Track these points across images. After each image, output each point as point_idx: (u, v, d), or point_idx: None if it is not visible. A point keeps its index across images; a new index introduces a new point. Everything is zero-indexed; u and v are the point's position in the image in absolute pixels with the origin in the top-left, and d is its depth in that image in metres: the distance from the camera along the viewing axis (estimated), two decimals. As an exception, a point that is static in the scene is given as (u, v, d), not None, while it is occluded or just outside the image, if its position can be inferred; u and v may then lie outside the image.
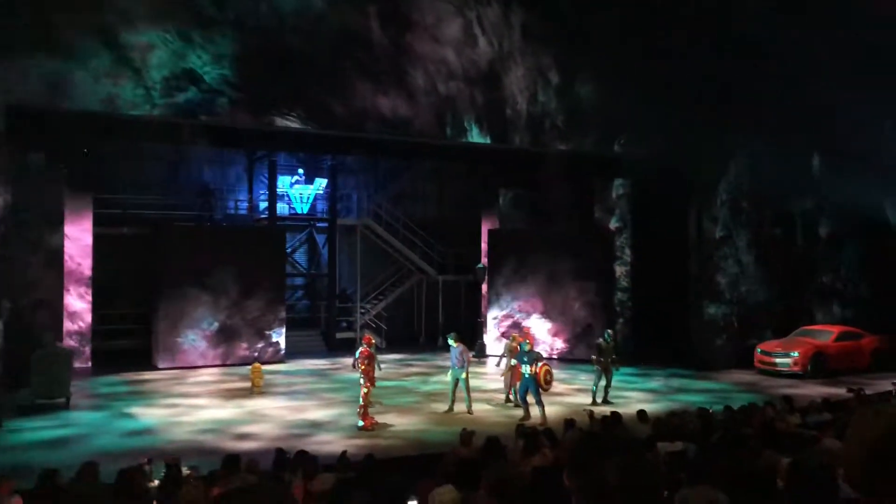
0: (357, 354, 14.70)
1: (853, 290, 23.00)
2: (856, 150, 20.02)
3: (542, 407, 14.56)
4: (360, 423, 13.92)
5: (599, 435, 8.90)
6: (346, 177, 30.30)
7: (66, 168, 20.44)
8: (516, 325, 24.17)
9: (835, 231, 23.04)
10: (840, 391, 15.08)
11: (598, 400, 16.32)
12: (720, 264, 22.49)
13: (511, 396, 16.31)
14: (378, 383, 15.16)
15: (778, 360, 20.56)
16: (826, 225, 23.05)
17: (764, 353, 20.98)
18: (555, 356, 22.93)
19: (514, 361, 15.89)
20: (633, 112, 22.02)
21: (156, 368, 21.59)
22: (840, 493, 3.57)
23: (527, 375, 14.82)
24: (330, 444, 12.48)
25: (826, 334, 21.08)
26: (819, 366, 20.23)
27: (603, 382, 16.64)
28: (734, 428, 9.34)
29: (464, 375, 15.50)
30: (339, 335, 26.55)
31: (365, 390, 13.97)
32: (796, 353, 20.38)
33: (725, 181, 22.45)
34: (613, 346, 17.01)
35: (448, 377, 15.89)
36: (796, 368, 20.19)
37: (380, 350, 24.31)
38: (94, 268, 22.04)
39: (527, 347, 15.39)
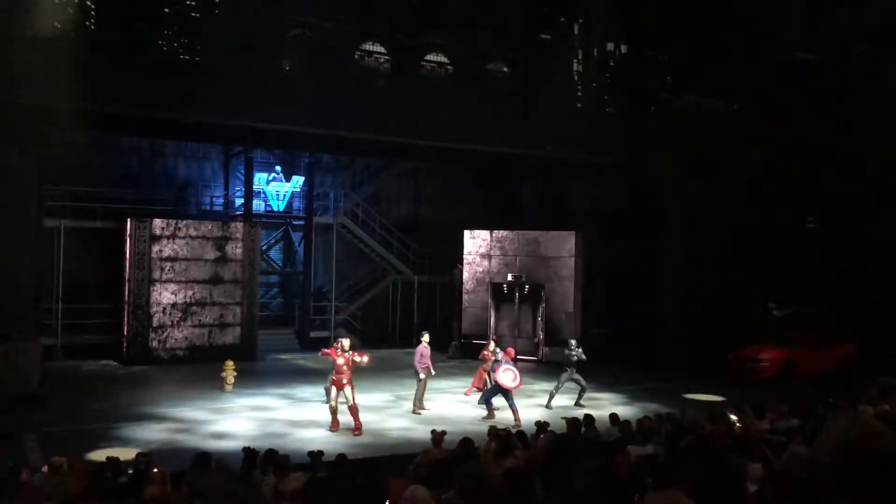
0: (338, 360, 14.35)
1: (824, 296, 23.32)
2: None
3: (516, 410, 14.62)
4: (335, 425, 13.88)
5: (571, 438, 8.95)
6: (324, 175, 30.17)
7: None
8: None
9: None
10: (809, 397, 15.27)
11: (572, 403, 16.42)
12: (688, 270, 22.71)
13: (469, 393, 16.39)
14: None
15: (749, 366, 20.76)
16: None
17: (736, 357, 21.17)
18: (529, 358, 22.99)
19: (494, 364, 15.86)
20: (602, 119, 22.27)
21: (126, 364, 21.37)
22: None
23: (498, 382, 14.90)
24: (307, 443, 12.44)
25: (798, 339, 21.34)
26: (789, 371, 20.48)
27: (572, 386, 16.70)
28: (703, 433, 9.42)
29: (421, 376, 15.59)
30: (313, 334, 26.42)
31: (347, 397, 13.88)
32: (767, 359, 20.62)
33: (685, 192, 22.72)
34: (579, 353, 16.99)
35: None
36: (768, 374, 20.40)
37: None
38: (65, 261, 21.76)
39: (500, 355, 15.44)
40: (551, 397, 16.54)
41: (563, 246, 24.13)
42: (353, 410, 13.80)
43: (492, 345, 17.15)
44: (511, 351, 16.98)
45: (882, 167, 20.95)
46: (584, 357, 16.94)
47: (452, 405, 16.71)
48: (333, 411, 13.99)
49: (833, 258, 23.05)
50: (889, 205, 22.00)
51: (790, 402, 12.69)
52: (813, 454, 2.09)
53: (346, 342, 14.49)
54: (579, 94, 23.68)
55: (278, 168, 27.57)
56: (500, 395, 14.99)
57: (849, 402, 11.66)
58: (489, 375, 16.30)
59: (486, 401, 15.13)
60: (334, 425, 13.94)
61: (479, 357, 16.80)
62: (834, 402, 11.92)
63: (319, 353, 14.69)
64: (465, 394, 17.35)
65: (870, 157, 21.06)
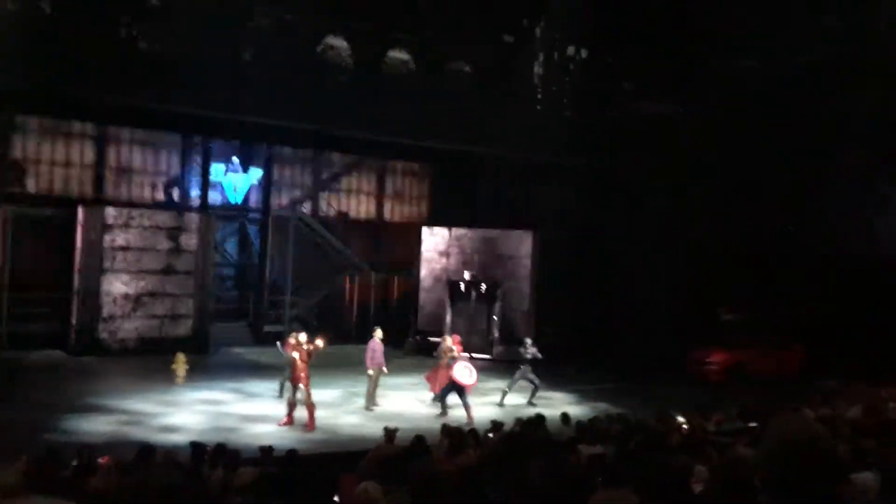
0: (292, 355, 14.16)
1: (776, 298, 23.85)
2: None
3: (469, 408, 14.68)
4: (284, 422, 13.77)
5: (522, 436, 9.02)
6: (283, 167, 29.88)
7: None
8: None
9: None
10: (755, 399, 15.62)
11: (524, 401, 16.53)
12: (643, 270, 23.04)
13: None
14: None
15: (700, 367, 21.14)
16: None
17: (687, 359, 21.52)
18: (483, 356, 23.08)
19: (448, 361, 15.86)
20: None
21: (74, 355, 20.89)
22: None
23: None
24: (258, 438, 12.31)
25: (745, 343, 21.76)
26: (738, 373, 20.87)
27: (524, 384, 16.83)
28: (652, 433, 9.58)
29: (370, 372, 15.57)
30: (267, 328, 26.12)
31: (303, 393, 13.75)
32: (716, 361, 21.00)
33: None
34: (533, 352, 17.15)
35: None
36: (716, 376, 20.77)
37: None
38: (13, 249, 21.17)
39: (455, 352, 15.49)
40: (504, 395, 16.64)
41: (521, 245, 24.27)
42: (309, 408, 13.71)
43: (447, 340, 17.18)
44: (457, 338, 17.21)
45: (831, 170, 21.53)
46: (538, 355, 17.09)
47: (406, 402, 16.70)
48: (291, 405, 13.86)
49: (786, 262, 23.59)
50: (836, 209, 22.63)
51: (741, 404, 12.98)
52: (755, 455, 2.15)
53: (301, 336, 14.40)
54: (539, 96, 23.84)
55: (235, 159, 27.21)
56: (454, 392, 15.02)
57: (791, 406, 11.97)
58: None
59: (441, 399, 15.16)
60: (288, 420, 13.82)
61: (434, 354, 16.73)
62: (780, 405, 12.21)
63: (280, 347, 14.52)
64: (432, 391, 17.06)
65: (818, 160, 21.65)
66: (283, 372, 14.71)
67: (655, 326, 22.44)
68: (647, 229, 22.95)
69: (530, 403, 16.49)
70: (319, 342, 14.23)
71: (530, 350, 17.05)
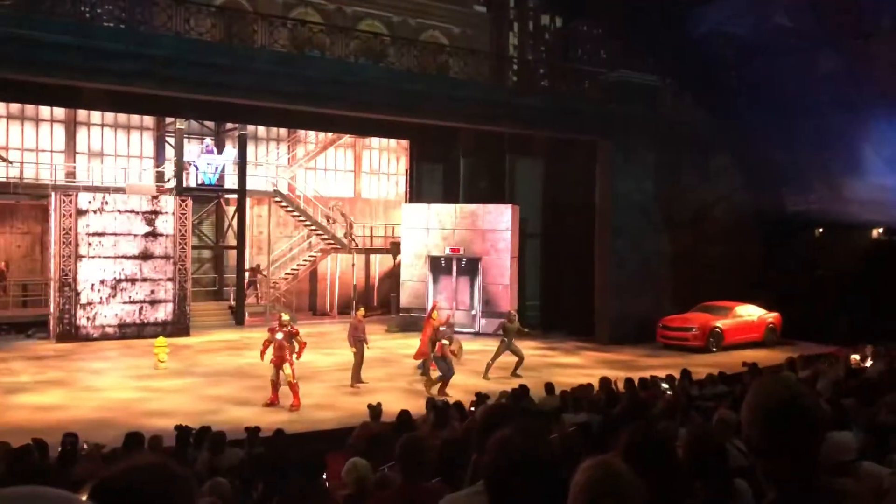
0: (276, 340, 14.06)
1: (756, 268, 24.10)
2: None
3: (445, 382, 14.75)
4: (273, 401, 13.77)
5: (506, 407, 9.07)
6: (259, 146, 29.65)
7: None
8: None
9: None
10: (736, 364, 15.86)
11: (510, 375, 16.64)
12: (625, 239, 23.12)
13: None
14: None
15: (678, 334, 21.40)
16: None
17: (665, 327, 21.79)
18: (467, 330, 23.18)
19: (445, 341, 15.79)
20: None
21: (53, 341, 20.73)
22: (731, 462, 3.77)
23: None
24: (243, 419, 12.30)
25: (724, 310, 22.05)
26: (716, 339, 21.21)
27: (508, 359, 16.95)
28: (635, 400, 9.68)
29: (353, 350, 15.61)
30: (247, 309, 26.06)
31: (289, 371, 13.73)
32: (695, 328, 21.26)
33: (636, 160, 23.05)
34: (517, 325, 17.34)
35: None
36: (695, 342, 21.07)
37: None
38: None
39: (443, 316, 15.54)
40: (488, 368, 16.75)
41: (501, 219, 24.30)
42: (293, 387, 13.70)
43: (436, 312, 17.28)
44: (435, 304, 17.32)
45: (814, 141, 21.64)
46: (524, 329, 17.26)
47: (389, 378, 16.75)
48: (274, 385, 13.86)
49: (765, 229, 23.81)
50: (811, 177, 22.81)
51: (718, 369, 13.14)
52: (741, 416, 2.16)
53: (284, 316, 14.36)
54: (515, 66, 23.71)
55: (208, 140, 26.91)
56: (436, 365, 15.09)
57: (770, 369, 12.14)
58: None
59: (428, 370, 15.23)
60: (272, 399, 13.83)
61: (435, 326, 16.47)
62: (759, 369, 12.37)
63: (267, 331, 14.45)
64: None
65: (799, 133, 21.76)
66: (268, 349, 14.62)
67: (633, 297, 22.59)
68: (628, 200, 22.97)
69: (514, 374, 16.61)
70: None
71: (514, 322, 17.17)
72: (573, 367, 18.65)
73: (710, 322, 21.46)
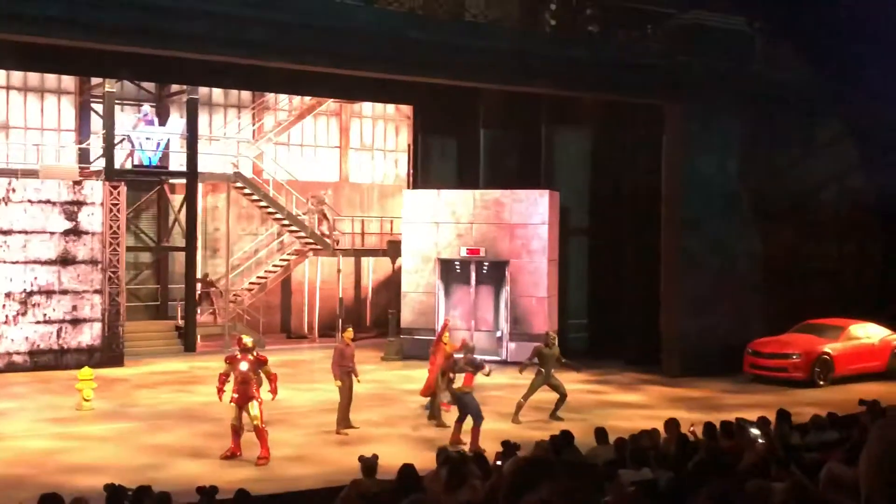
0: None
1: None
2: None
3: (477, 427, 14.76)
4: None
5: (543, 462, 9.05)
6: (214, 114, 29.80)
7: None
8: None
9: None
10: (851, 402, 15.76)
11: (547, 417, 16.63)
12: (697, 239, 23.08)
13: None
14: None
15: (773, 363, 21.30)
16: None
17: (756, 353, 21.68)
18: (490, 358, 23.19)
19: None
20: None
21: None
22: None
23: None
24: (194, 476, 12.36)
25: (834, 330, 21.94)
26: (824, 370, 21.11)
27: (546, 396, 16.94)
28: (716, 451, 9.62)
29: (339, 383, 15.66)
30: (200, 331, 26.17)
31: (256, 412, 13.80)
32: (796, 355, 21.16)
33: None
34: (557, 351, 17.27)
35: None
36: (797, 374, 20.98)
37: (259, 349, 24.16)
38: None
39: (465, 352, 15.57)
40: (519, 408, 16.74)
41: (535, 210, 24.29)
42: (261, 433, 13.74)
43: (448, 333, 17.34)
44: (447, 322, 17.40)
45: None
46: (563, 359, 17.22)
47: (390, 421, 16.78)
48: (235, 430, 13.90)
49: (891, 221, 23.72)
50: None
51: (827, 409, 13.07)
52: (858, 471, 2.15)
53: (247, 340, 14.40)
54: (553, 5, 23.69)
55: (146, 108, 27.07)
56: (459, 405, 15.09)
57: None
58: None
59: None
60: (233, 449, 13.87)
61: (448, 353, 16.51)
62: (882, 409, 12.29)
63: (224, 361, 14.51)
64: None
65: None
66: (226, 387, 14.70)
67: (719, 315, 22.51)
68: (707, 184, 22.89)
69: (555, 417, 16.58)
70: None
71: (553, 348, 17.14)
72: (633, 406, 18.61)
73: (817, 347, 21.35)
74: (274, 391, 14.21)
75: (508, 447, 10.67)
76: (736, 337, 22.15)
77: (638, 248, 24.00)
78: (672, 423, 11.58)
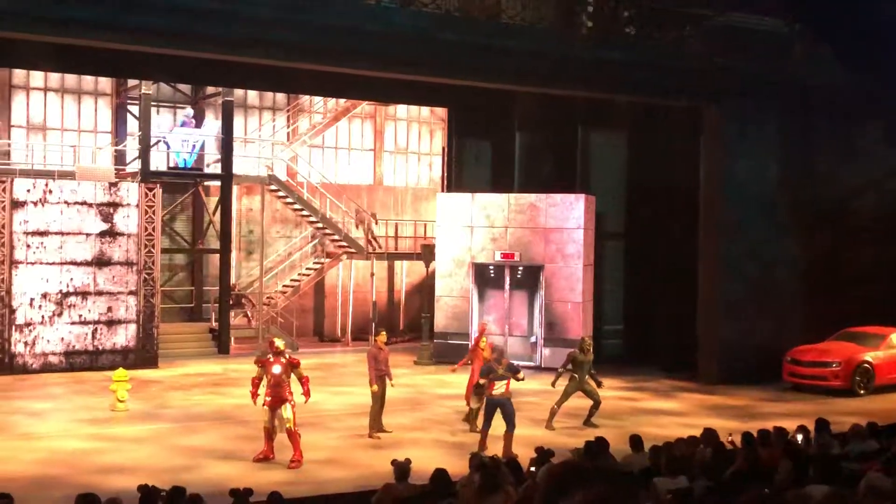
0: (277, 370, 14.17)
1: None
2: None
3: (511, 433, 14.65)
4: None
5: (578, 466, 9.02)
6: (249, 117, 30.00)
7: None
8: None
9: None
10: (892, 411, 15.59)
11: (581, 423, 16.56)
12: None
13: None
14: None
15: (812, 371, 21.11)
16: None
17: (795, 361, 21.48)
18: (523, 364, 23.13)
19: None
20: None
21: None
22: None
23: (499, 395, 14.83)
24: (226, 478, 12.43)
25: (876, 338, 21.69)
26: (865, 378, 20.89)
27: (580, 402, 16.88)
28: (753, 459, 9.54)
29: (373, 388, 15.65)
30: (234, 333, 26.35)
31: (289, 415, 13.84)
32: (836, 363, 20.95)
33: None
34: (591, 357, 17.12)
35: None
36: (836, 382, 20.77)
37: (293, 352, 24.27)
38: None
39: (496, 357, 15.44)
40: (553, 415, 16.68)
41: (570, 214, 24.21)
42: (293, 436, 13.78)
43: (486, 338, 17.31)
44: (484, 327, 17.68)
45: None
46: (591, 368, 17.10)
47: (423, 425, 16.78)
48: (268, 433, 13.94)
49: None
50: None
51: (868, 418, 12.91)
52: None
53: (279, 342, 14.43)
54: (590, 7, 23.61)
55: (189, 110, 27.28)
56: (502, 414, 14.96)
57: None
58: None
59: (484, 423, 15.12)
60: (266, 452, 13.92)
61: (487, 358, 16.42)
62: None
63: (255, 364, 14.55)
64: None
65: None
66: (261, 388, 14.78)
67: (758, 320, 22.32)
68: (748, 186, 22.71)
69: (589, 424, 16.52)
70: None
71: (588, 354, 17.05)
72: (669, 414, 18.52)
73: (857, 355, 21.11)
74: (307, 394, 14.24)
75: (542, 453, 10.65)
76: (774, 344, 21.96)
77: (674, 253, 23.84)
78: (709, 434, 11.49)
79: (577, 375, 16.92)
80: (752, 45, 22.54)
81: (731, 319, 22.57)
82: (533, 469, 10.09)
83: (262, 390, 14.12)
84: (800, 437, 11.49)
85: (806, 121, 23.30)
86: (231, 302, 26.84)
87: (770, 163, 23.09)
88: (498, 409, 14.69)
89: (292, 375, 14.15)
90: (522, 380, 15.41)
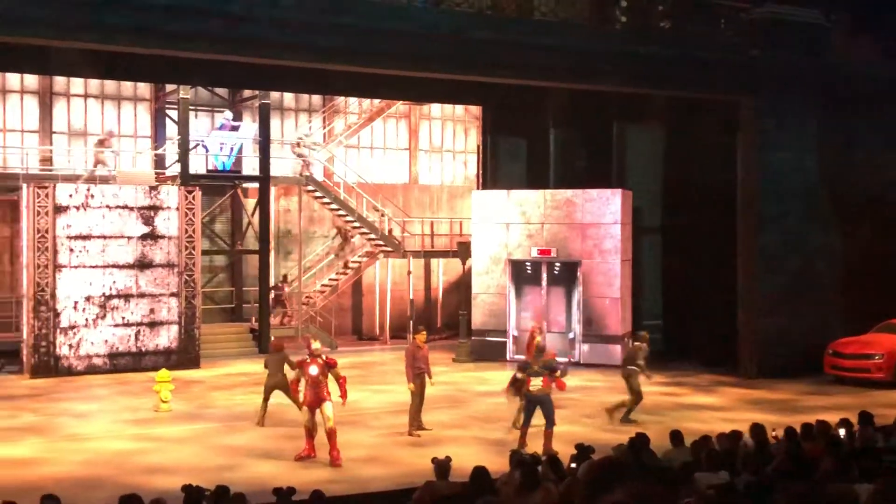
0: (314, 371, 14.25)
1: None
2: None
3: (551, 430, 14.61)
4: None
5: (619, 462, 8.99)
6: (286, 119, 30.16)
7: None
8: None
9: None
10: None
11: (625, 418, 16.51)
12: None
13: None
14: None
15: (855, 364, 20.88)
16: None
17: (836, 354, 21.28)
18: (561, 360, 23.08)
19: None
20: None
21: (27, 375, 21.51)
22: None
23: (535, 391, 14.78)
24: (269, 477, 12.52)
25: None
26: (909, 371, 20.64)
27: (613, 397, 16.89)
28: (796, 453, 9.44)
29: (411, 385, 15.67)
30: (273, 333, 26.50)
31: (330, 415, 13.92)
32: (878, 355, 20.71)
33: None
34: (646, 351, 17.24)
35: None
36: (879, 374, 20.53)
37: (332, 350, 24.41)
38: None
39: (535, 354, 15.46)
40: (629, 411, 16.70)
41: (606, 209, 24.11)
42: (332, 434, 13.85)
43: (539, 337, 17.46)
44: (535, 328, 17.76)
45: None
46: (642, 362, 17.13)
47: (462, 422, 16.80)
48: (309, 432, 14.03)
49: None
50: None
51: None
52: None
53: (315, 345, 14.47)
54: (624, 1, 23.50)
55: (228, 114, 27.45)
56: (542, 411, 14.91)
57: None
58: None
59: (524, 420, 15.10)
60: (307, 451, 14.01)
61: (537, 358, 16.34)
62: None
63: (296, 367, 14.65)
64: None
65: None
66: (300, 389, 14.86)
67: (801, 312, 22.10)
68: (785, 180, 22.49)
69: (626, 420, 16.48)
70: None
71: (643, 349, 17.13)
72: (709, 408, 18.40)
73: (900, 344, 20.91)
74: (343, 395, 14.29)
75: (582, 450, 10.60)
76: (815, 337, 21.79)
77: (713, 246, 23.66)
78: (757, 429, 11.38)
79: (638, 365, 16.99)
80: (789, 37, 22.34)
81: (771, 313, 22.39)
82: (574, 465, 10.05)
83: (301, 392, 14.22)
84: (842, 431, 11.36)
85: (845, 111, 23.04)
86: (272, 298, 27.01)
87: (809, 154, 22.87)
88: (538, 406, 14.69)
89: (329, 375, 14.21)
90: (562, 377, 15.31)
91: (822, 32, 23.18)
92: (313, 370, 14.02)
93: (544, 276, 24.77)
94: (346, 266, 29.36)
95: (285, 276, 28.27)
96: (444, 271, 31.01)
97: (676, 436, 11.68)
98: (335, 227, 29.44)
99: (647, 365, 17.19)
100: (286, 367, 16.52)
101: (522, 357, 17.85)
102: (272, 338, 26.06)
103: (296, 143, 28.51)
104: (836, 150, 23.14)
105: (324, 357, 14.33)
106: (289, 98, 29.96)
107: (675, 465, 9.44)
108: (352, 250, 29.55)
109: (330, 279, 29.27)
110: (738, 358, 22.67)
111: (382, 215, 29.50)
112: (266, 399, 16.64)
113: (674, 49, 22.32)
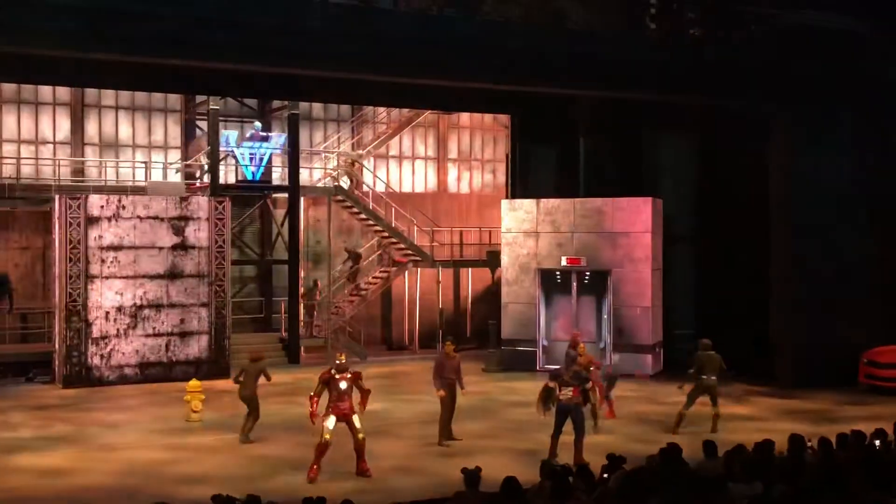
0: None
1: None
2: None
3: (581, 440, 14.56)
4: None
5: (651, 473, 8.95)
6: (314, 129, 30.31)
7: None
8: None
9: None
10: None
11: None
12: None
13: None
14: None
15: (891, 373, 20.66)
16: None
17: (872, 363, 21.08)
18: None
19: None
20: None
21: (59, 385, 21.72)
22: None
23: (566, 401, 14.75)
24: (300, 488, 12.57)
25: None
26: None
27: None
28: (831, 464, 9.37)
29: (440, 394, 15.75)
30: (303, 342, 26.61)
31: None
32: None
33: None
34: (718, 356, 17.15)
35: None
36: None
37: (362, 360, 24.47)
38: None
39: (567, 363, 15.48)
40: (681, 419, 16.71)
41: (637, 218, 24.02)
42: (361, 447, 13.83)
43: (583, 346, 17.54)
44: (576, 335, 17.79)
45: None
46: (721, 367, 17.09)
47: (490, 432, 16.79)
48: (322, 450, 13.78)
49: None
50: None
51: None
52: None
53: (341, 359, 14.38)
54: (653, 9, 23.48)
55: (258, 124, 27.59)
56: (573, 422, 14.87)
57: None
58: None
59: (555, 430, 15.08)
60: (316, 471, 13.67)
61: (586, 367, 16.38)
62: None
63: (319, 380, 14.59)
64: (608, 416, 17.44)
65: None
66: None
67: (840, 320, 21.92)
68: (815, 185, 22.32)
69: (675, 431, 16.42)
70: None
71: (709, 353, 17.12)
72: (743, 418, 18.27)
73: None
74: (363, 405, 14.21)
75: (614, 460, 10.56)
76: (851, 346, 21.57)
77: (746, 255, 23.51)
78: (796, 440, 11.27)
79: (705, 375, 16.92)
80: (822, 44, 22.17)
81: (806, 321, 22.23)
82: (605, 476, 10.02)
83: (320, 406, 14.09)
84: (877, 442, 11.24)
85: (881, 118, 22.85)
86: (304, 303, 27.08)
87: (844, 162, 22.67)
88: (568, 416, 14.65)
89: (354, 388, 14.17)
90: (591, 388, 15.28)
91: (856, 39, 23.00)
92: (343, 385, 13.97)
93: (574, 285, 24.71)
94: (373, 277, 29.43)
95: (316, 282, 28.29)
96: (473, 281, 30.99)
97: (709, 446, 11.61)
98: (345, 250, 29.36)
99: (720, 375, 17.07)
100: (262, 379, 16.57)
101: (556, 366, 17.77)
102: (301, 349, 26.24)
103: (349, 161, 28.70)
104: (872, 157, 22.95)
105: (351, 371, 14.28)
106: (317, 108, 30.10)
107: (708, 476, 9.39)
108: (363, 274, 29.47)
109: (360, 288, 29.30)
110: (773, 367, 22.50)
111: (412, 225, 29.53)
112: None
113: (704, 57, 22.25)
